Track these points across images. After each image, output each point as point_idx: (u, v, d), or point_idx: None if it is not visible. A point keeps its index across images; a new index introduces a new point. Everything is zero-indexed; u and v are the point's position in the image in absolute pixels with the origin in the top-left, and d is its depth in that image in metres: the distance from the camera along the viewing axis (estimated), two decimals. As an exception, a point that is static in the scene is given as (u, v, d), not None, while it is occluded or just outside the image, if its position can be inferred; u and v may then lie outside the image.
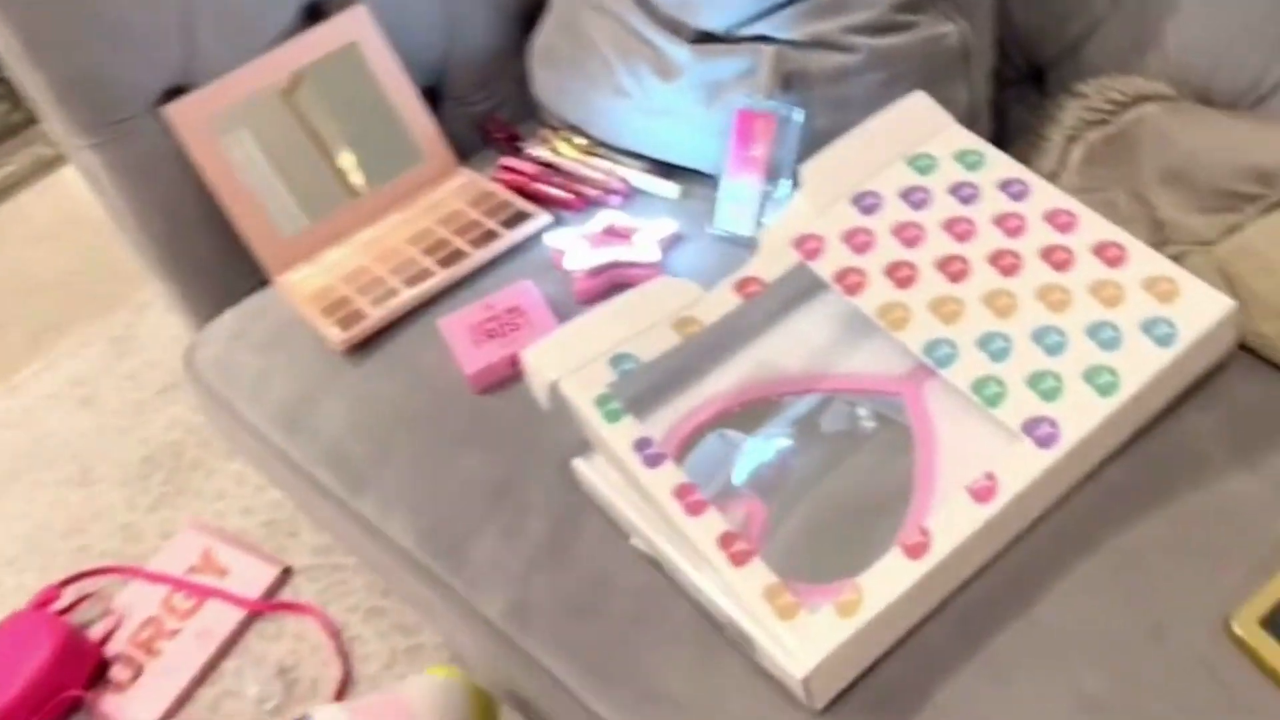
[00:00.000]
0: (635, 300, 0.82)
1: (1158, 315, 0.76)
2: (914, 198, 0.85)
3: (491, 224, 1.08)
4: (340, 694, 1.19)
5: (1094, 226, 0.81)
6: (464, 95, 1.23)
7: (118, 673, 1.24)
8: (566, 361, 0.78)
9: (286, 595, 1.31)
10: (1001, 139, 1.01)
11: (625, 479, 0.76)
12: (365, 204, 1.12)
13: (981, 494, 0.70)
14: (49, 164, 2.05)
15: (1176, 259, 0.88)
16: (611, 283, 0.99)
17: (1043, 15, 1.03)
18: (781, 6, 0.97)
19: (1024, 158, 0.98)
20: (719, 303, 0.82)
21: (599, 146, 1.13)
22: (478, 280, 1.04)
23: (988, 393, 0.75)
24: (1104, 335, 0.76)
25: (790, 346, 0.84)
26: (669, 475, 0.73)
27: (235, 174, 1.06)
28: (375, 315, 1.00)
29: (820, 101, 0.97)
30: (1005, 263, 0.81)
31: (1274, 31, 0.92)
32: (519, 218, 1.08)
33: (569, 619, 0.78)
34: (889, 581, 0.68)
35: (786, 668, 0.66)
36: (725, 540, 0.70)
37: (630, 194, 1.09)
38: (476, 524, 0.85)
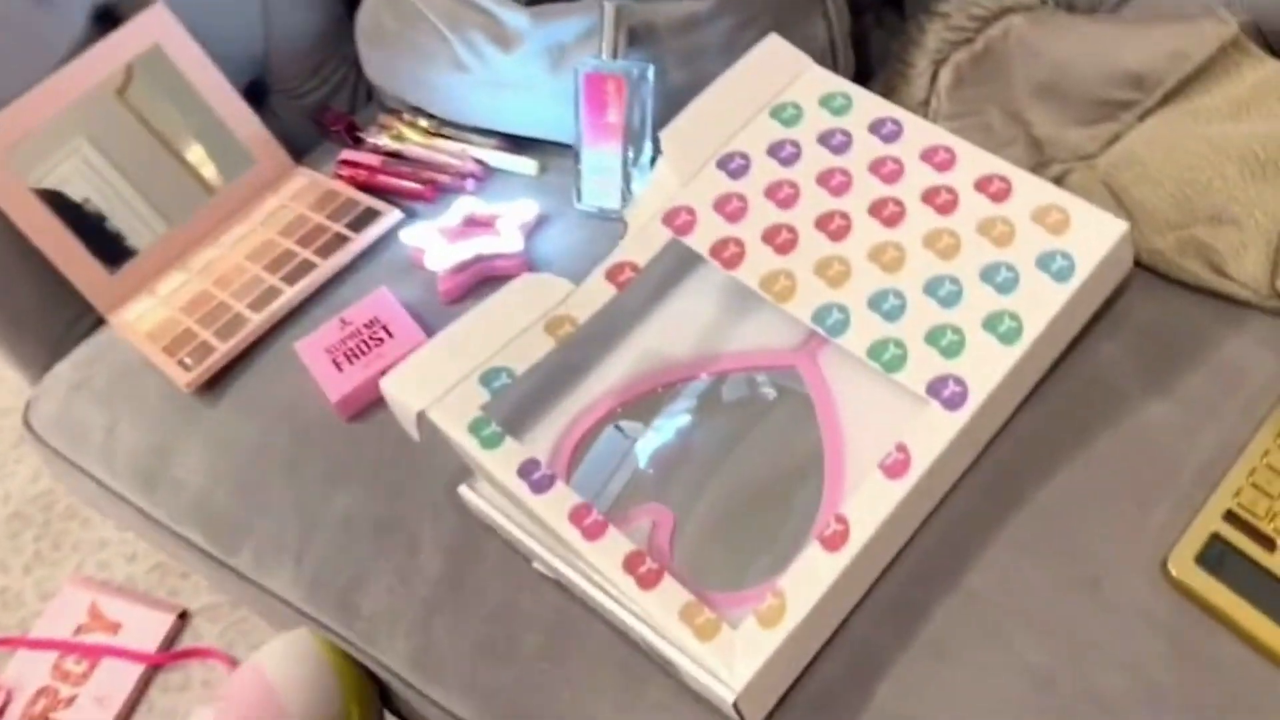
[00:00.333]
0: (500, 305, 0.75)
1: (1052, 248, 0.72)
2: (783, 153, 0.79)
3: (338, 227, 0.99)
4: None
5: (974, 160, 0.77)
6: (293, 86, 1.13)
7: (15, 755, 1.15)
8: (431, 387, 0.71)
9: (187, 641, 1.23)
10: (865, 72, 0.96)
11: (515, 506, 0.70)
12: (222, 204, 1.03)
13: (894, 469, 0.66)
14: None
15: (1060, 179, 0.85)
16: (478, 277, 0.92)
17: (893, -68, 0.97)
18: (617, -44, 0.90)
19: (892, 89, 0.93)
20: (592, 296, 0.76)
21: (445, 127, 1.05)
22: (333, 291, 0.96)
23: (886, 357, 0.70)
24: (1000, 278, 0.71)
25: (675, 330, 0.78)
26: (561, 499, 0.67)
27: (42, 210, 0.95)
28: (223, 348, 0.91)
29: (672, 55, 0.91)
30: (887, 213, 0.75)
31: (1131, -74, 0.88)
32: (368, 216, 0.99)
33: (479, 661, 0.72)
34: (810, 581, 0.63)
35: (715, 691, 0.61)
36: (631, 562, 0.64)
37: (486, 175, 1.01)
38: (365, 567, 0.78)
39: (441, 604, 0.75)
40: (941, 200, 0.75)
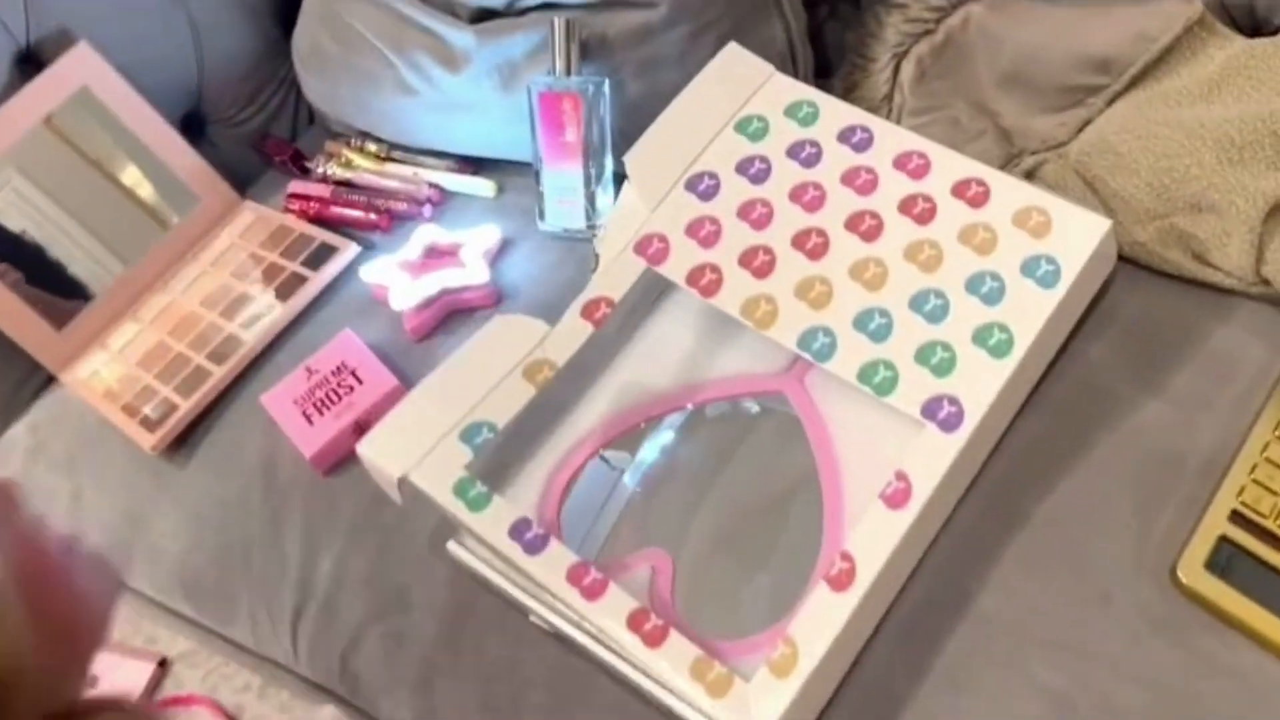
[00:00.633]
0: (475, 354, 0.72)
1: (1036, 253, 0.70)
2: (752, 170, 0.77)
3: (294, 266, 0.95)
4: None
5: (949, 165, 0.75)
6: (230, 114, 1.08)
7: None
8: (411, 449, 0.68)
9: (169, 689, 1.20)
10: (823, 67, 0.93)
11: (509, 566, 0.68)
12: (169, 243, 0.99)
13: (896, 499, 0.64)
14: None
15: (1033, 172, 0.83)
16: (445, 310, 0.89)
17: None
18: (562, -33, 0.86)
19: (853, 86, 0.91)
20: (569, 336, 0.73)
21: (395, 150, 1.01)
22: (295, 333, 0.92)
23: (877, 380, 0.68)
24: (985, 288, 0.70)
25: (655, 360, 0.76)
26: (557, 559, 0.64)
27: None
28: (186, 405, 0.88)
29: (627, 66, 0.87)
30: (865, 226, 0.73)
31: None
32: (324, 253, 0.95)
33: (484, 722, 0.71)
34: (821, 624, 0.61)
35: (732, 748, 0.60)
36: (635, 620, 0.62)
37: (443, 200, 0.98)
38: (360, 630, 0.76)
39: (440, 665, 0.73)
40: (919, 209, 0.73)
